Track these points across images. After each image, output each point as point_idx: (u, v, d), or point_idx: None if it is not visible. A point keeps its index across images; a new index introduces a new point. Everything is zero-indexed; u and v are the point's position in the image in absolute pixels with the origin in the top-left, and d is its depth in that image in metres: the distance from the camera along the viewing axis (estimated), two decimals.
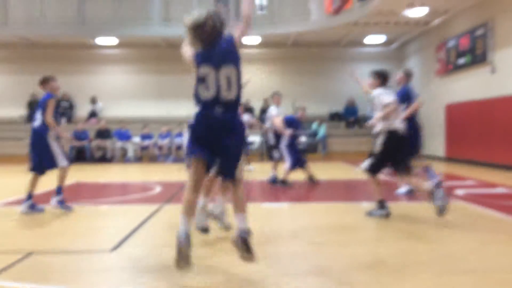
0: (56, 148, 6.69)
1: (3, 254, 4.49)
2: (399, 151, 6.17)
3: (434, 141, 17.51)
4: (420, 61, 19.17)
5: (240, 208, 3.74)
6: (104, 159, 17.81)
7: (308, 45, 20.10)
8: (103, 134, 18.07)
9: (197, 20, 3.65)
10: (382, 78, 6.30)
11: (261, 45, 20.10)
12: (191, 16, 3.69)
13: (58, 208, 6.70)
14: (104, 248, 4.69)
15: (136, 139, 18.21)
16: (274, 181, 9.66)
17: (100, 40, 19.08)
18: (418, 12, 14.70)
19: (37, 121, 6.68)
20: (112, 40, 19.08)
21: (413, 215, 6.38)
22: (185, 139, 5.34)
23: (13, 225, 6.02)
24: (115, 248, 4.67)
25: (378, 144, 6.28)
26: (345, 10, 15.19)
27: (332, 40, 19.95)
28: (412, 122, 7.22)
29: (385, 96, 6.13)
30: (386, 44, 20.22)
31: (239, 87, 3.68)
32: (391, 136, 6.08)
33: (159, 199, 7.96)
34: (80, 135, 17.74)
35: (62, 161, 6.70)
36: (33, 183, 6.69)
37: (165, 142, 18.05)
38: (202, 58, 3.69)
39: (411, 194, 7.87)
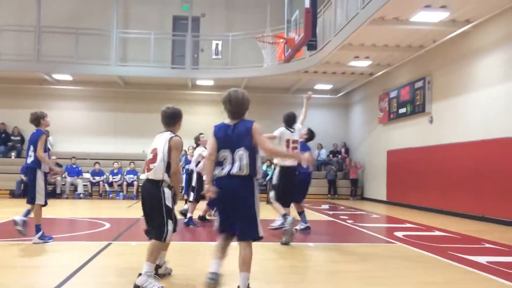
0: (39, 187, 7.10)
1: None
2: (291, 183, 7.59)
3: (377, 185, 18.32)
4: (364, 109, 20.17)
5: (242, 269, 4.15)
6: (53, 194, 17.55)
7: (260, 90, 20.77)
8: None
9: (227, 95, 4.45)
10: (284, 120, 8.03)
11: (214, 88, 20.60)
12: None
13: (41, 243, 6.99)
14: (47, 286, 4.62)
15: (87, 175, 18.12)
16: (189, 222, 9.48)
17: (55, 77, 19.10)
18: (362, 64, 15.69)
19: (31, 157, 7.07)
20: (66, 77, 19.14)
21: (359, 256, 6.73)
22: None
23: None
24: (59, 286, 4.59)
25: (275, 177, 7.87)
26: (296, 58, 15.97)
27: (283, 86, 20.77)
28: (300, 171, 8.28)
29: (276, 130, 7.91)
30: (333, 92, 21.19)
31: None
32: (283, 170, 7.65)
33: (108, 236, 7.97)
34: None
35: (40, 199, 7.10)
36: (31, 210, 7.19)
37: (116, 178, 18.04)
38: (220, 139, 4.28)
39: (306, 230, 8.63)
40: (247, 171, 4.12)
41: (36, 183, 7.08)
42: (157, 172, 4.68)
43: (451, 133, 13.19)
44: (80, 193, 17.55)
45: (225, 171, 4.14)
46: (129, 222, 10.05)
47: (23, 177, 17.32)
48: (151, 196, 4.71)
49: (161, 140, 4.84)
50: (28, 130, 19.76)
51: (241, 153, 4.13)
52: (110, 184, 18.00)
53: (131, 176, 18.22)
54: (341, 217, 12.07)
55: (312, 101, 21.57)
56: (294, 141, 7.64)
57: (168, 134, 4.88)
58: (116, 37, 18.29)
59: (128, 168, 18.40)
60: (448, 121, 13.40)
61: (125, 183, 18.06)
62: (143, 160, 18.59)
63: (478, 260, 6.38)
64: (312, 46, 14.62)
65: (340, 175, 20.20)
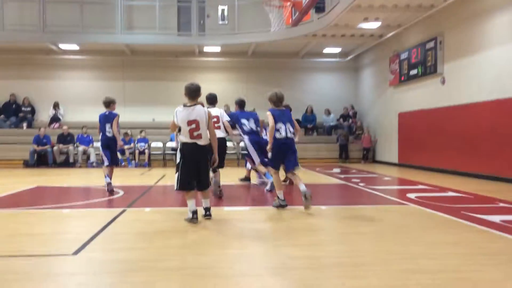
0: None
1: None
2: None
3: (388, 148, 18.26)
4: (374, 72, 19.92)
5: (300, 181, 7.08)
6: (66, 163, 17.76)
7: (268, 55, 20.58)
8: (65, 138, 18.01)
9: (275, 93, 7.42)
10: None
11: (221, 54, 20.43)
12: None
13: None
14: (66, 252, 4.67)
15: (98, 144, 18.18)
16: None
17: (62, 46, 19.02)
18: (372, 26, 15.39)
19: (110, 133, 9.43)
20: (73, 47, 19.07)
21: (372, 218, 6.74)
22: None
23: None
24: (77, 252, 4.66)
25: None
26: (303, 22, 15.71)
27: (291, 51, 20.51)
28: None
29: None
30: (342, 55, 20.90)
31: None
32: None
33: (122, 203, 8.05)
34: (41, 140, 17.67)
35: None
36: (111, 172, 9.58)
37: (127, 147, 18.12)
38: (278, 117, 7.25)
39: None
40: (293, 135, 7.32)
41: (116, 151, 9.61)
42: (206, 138, 6.15)
43: (463, 94, 13.01)
44: (92, 162, 17.68)
45: (283, 134, 7.16)
46: (142, 190, 10.15)
47: (36, 147, 17.51)
48: (203, 157, 6.19)
49: (199, 113, 6.11)
50: (38, 100, 19.99)
51: (289, 126, 7.24)
52: (122, 152, 18.09)
53: (142, 144, 18.30)
54: (353, 180, 12.08)
55: (320, 65, 21.67)
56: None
57: (202, 108, 6.21)
58: (121, 5, 18.05)
59: (139, 137, 18.46)
60: (461, 81, 13.20)
61: (136, 151, 18.15)
62: (154, 128, 18.72)
63: (492, 219, 6.36)
64: (320, 9, 14.38)
65: (351, 139, 20.12)
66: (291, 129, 7.16)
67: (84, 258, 4.52)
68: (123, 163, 17.91)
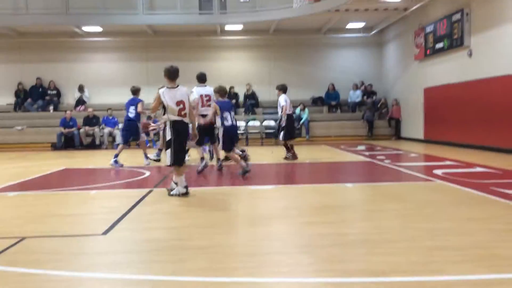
0: (141, 131, 10.97)
1: None
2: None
3: (414, 124, 18.00)
4: (399, 46, 19.52)
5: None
6: (93, 145, 18.02)
7: (290, 32, 20.33)
8: (91, 121, 18.26)
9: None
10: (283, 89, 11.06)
11: (243, 33, 20.26)
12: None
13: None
14: (96, 231, 4.77)
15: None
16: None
17: (85, 29, 19.15)
18: None
19: (132, 113, 10.88)
20: (96, 29, 19.17)
21: (398, 195, 6.68)
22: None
23: (4, 210, 6.08)
24: (107, 231, 4.74)
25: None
26: None
27: (313, 27, 20.21)
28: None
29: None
30: (366, 30, 20.50)
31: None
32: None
33: (149, 183, 8.17)
34: (68, 123, 17.94)
35: (143, 137, 11.41)
36: (121, 150, 11.19)
37: (152, 128, 18.22)
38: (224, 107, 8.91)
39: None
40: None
41: (139, 130, 11.01)
42: (189, 116, 6.79)
43: (492, 67, 12.66)
44: (118, 143, 17.86)
45: (230, 123, 8.84)
46: (168, 169, 10.20)
47: (63, 129, 17.81)
48: (186, 133, 6.84)
49: (183, 94, 6.72)
50: (63, 83, 20.26)
51: (233, 114, 9.00)
52: (147, 134, 18.23)
53: None
54: (378, 157, 11.97)
55: (344, 41, 21.32)
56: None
57: (184, 89, 6.81)
58: None
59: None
60: (489, 54, 12.85)
61: (161, 132, 18.24)
62: None
63: None
64: None
65: (376, 115, 19.84)
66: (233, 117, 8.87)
67: (114, 238, 4.61)
68: (148, 144, 18.05)
